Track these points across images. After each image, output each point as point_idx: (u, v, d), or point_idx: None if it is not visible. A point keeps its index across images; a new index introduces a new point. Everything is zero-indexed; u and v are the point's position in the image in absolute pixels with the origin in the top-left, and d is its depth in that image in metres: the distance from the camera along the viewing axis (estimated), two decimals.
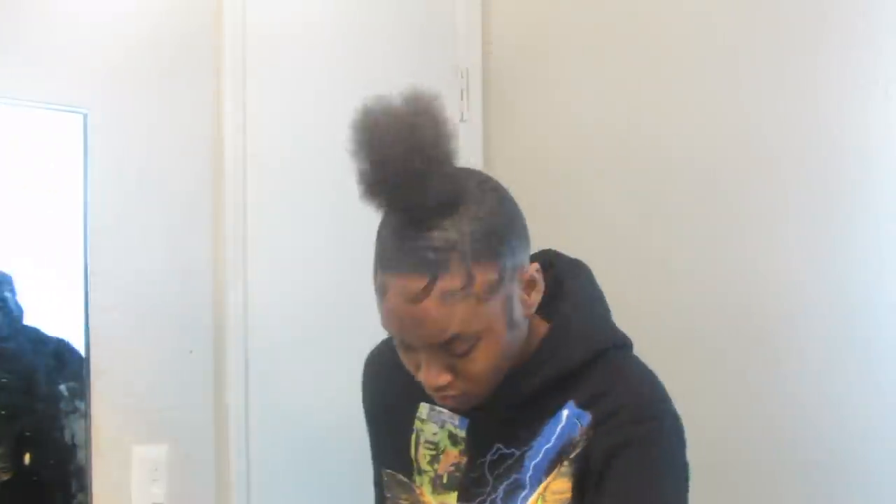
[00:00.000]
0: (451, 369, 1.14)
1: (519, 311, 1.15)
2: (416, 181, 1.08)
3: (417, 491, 1.23)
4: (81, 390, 1.56)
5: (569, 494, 1.15)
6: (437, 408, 1.23)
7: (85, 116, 1.57)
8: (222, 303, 1.72)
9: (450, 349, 1.12)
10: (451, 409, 1.20)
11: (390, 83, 1.95)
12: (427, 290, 1.09)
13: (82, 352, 1.57)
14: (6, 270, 1.50)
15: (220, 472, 1.72)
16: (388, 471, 1.26)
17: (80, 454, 1.56)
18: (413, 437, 1.24)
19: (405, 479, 1.24)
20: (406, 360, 1.17)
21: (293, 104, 1.84)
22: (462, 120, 2.04)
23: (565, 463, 1.15)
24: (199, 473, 1.70)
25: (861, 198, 1.59)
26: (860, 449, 1.63)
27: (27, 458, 1.51)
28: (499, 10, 2.16)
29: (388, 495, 1.26)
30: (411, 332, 1.12)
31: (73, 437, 1.55)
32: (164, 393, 1.67)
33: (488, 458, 1.19)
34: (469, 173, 1.16)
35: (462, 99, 2.08)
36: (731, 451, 1.67)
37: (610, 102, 1.92)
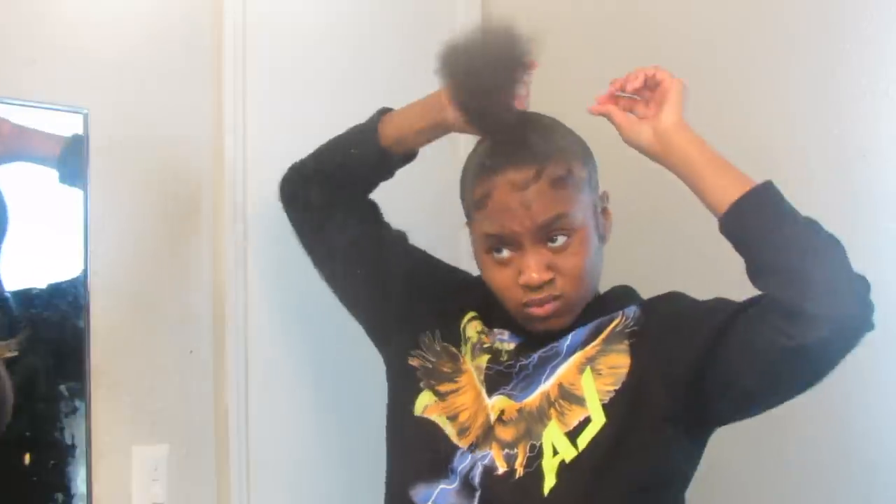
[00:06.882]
0: (552, 267, 1.25)
1: (601, 227, 1.31)
2: (495, 99, 1.25)
3: (461, 360, 1.33)
4: (81, 390, 1.56)
5: (626, 369, 1.26)
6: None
7: (85, 116, 1.57)
8: (222, 303, 1.72)
9: (551, 237, 1.24)
10: (542, 319, 1.28)
11: (390, 82, 1.98)
12: (537, 176, 1.23)
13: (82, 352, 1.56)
14: (5, 271, 1.50)
15: (220, 472, 1.72)
16: (444, 343, 1.35)
17: (80, 454, 1.56)
18: (466, 317, 1.36)
19: (455, 350, 1.34)
20: (500, 274, 1.27)
21: (293, 104, 1.84)
22: None
23: (624, 341, 1.27)
24: (199, 473, 1.70)
25: (862, 198, 1.59)
26: (862, 448, 1.64)
27: (27, 458, 1.51)
28: (499, 10, 2.16)
29: (432, 360, 1.34)
30: (521, 218, 1.23)
31: (73, 437, 1.55)
32: (164, 393, 1.66)
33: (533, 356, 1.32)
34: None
35: None
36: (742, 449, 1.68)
37: None
